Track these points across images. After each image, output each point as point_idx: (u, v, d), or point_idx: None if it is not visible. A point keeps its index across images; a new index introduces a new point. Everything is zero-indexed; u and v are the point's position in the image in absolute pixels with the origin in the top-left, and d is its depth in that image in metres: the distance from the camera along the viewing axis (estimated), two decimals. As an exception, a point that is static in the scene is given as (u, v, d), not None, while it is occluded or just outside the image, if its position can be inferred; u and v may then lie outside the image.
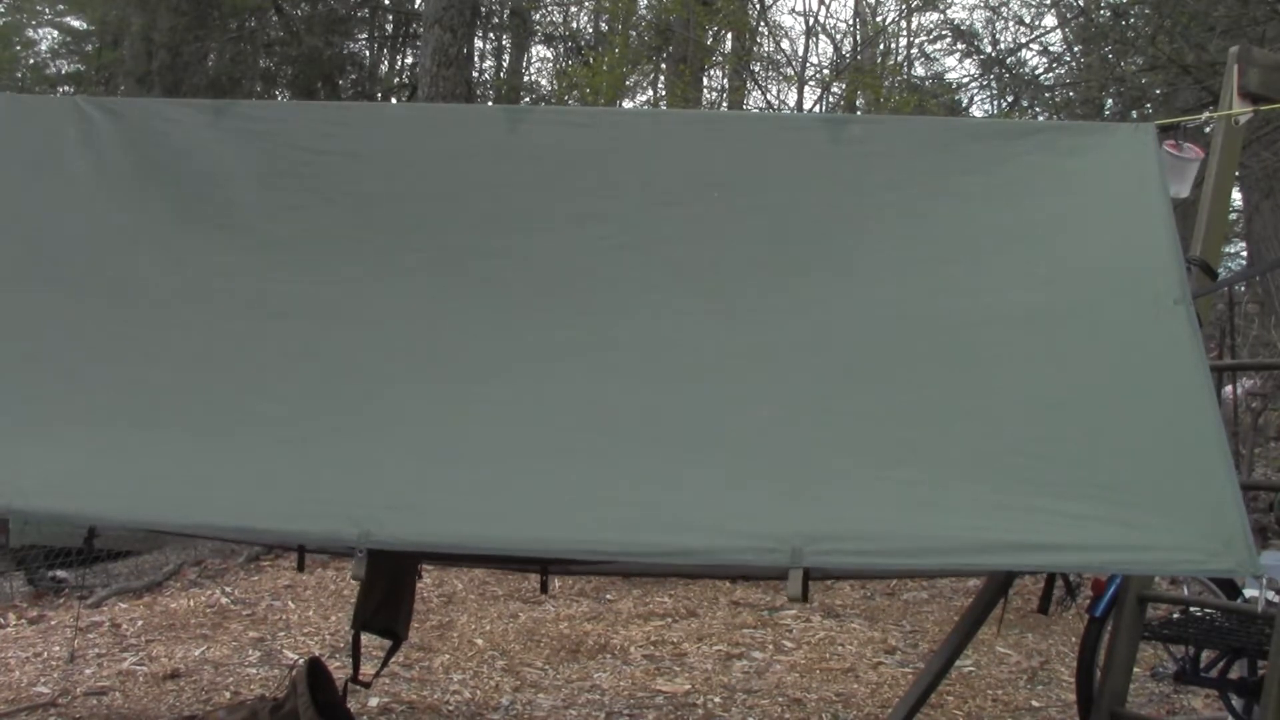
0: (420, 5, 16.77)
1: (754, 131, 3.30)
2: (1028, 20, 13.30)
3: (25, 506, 2.67)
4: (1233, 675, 3.51)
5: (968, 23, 14.39)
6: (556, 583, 6.37)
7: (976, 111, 13.79)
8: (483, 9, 16.64)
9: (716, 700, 4.52)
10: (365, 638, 4.06)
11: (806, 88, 14.33)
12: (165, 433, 2.74)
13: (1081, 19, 10.42)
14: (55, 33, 19.95)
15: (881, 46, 15.82)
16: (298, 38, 15.92)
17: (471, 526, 2.55)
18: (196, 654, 5.12)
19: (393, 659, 4.20)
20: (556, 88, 17.33)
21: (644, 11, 15.59)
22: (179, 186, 3.13)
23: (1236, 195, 10.98)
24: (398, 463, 2.64)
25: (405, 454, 2.66)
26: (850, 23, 16.06)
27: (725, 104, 15.67)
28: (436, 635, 5.48)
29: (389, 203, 3.10)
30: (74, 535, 6.82)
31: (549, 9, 19.09)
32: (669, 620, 5.86)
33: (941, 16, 14.89)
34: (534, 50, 20.56)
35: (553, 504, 2.54)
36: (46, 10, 19.64)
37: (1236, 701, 3.58)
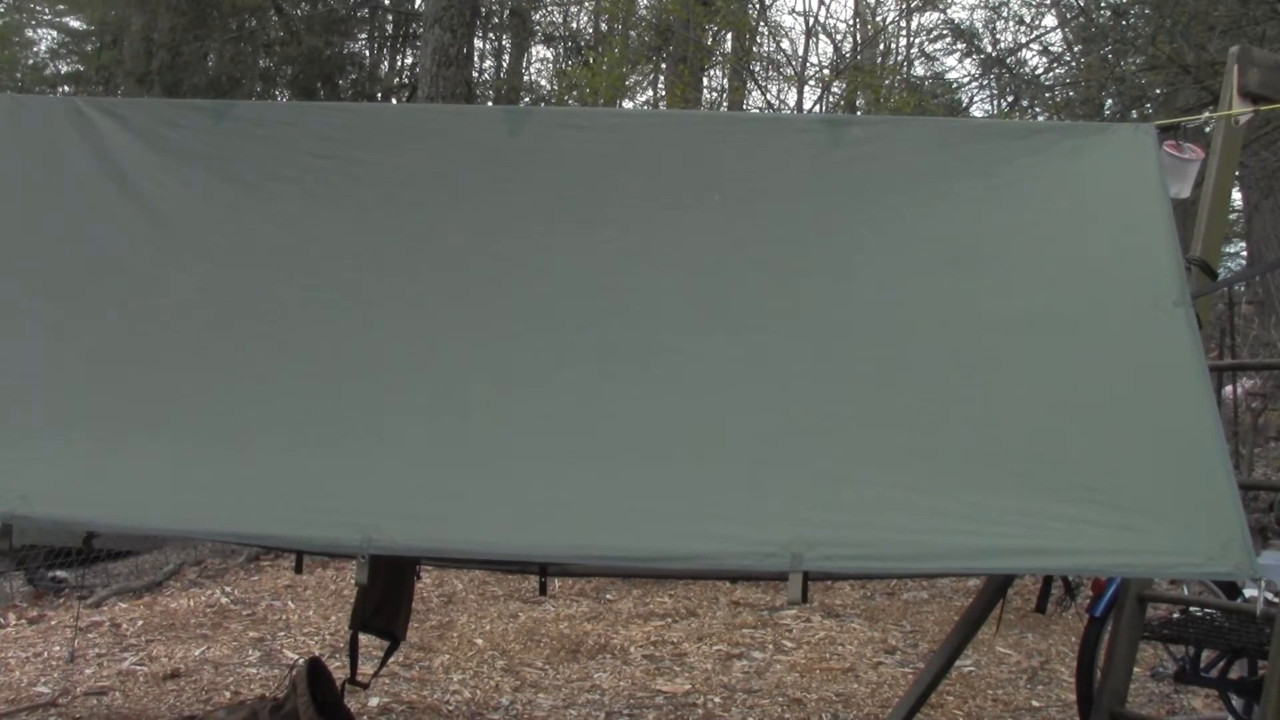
0: (420, 5, 16.77)
1: (754, 132, 3.29)
2: (1028, 20, 13.31)
3: (29, 512, 2.67)
4: (1233, 675, 3.52)
5: (968, 23, 14.38)
6: (556, 583, 6.37)
7: (976, 111, 13.80)
8: (483, 9, 16.63)
9: (716, 700, 4.52)
10: (365, 638, 4.06)
11: (806, 88, 14.36)
12: (167, 437, 2.74)
13: (1081, 19, 10.42)
14: (55, 33, 19.94)
15: (881, 46, 15.84)
16: (298, 38, 15.91)
17: (473, 532, 2.55)
18: (196, 654, 5.12)
19: (392, 659, 4.21)
20: (556, 88, 17.34)
21: (644, 11, 15.60)
22: (179, 188, 3.12)
23: (1236, 195, 10.99)
24: (399, 468, 2.64)
25: (407, 459, 2.66)
26: (850, 23, 16.08)
27: (725, 104, 15.67)
28: (436, 635, 5.48)
29: (389, 206, 3.10)
30: (74, 535, 6.83)
31: (549, 9, 19.10)
32: (669, 620, 5.87)
33: (941, 16, 14.91)
34: (534, 50, 20.59)
35: (554, 509, 2.54)
36: (46, 10, 19.62)
37: (1236, 701, 3.58)
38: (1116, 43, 9.06)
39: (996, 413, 2.60)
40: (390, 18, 18.93)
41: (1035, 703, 4.53)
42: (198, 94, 14.67)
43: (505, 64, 20.70)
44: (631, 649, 5.29)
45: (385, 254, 3.03)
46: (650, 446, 2.63)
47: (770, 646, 5.36)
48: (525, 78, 19.92)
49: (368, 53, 19.30)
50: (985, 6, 13.58)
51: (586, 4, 19.15)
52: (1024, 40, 12.83)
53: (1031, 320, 2.70)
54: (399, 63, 19.46)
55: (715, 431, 2.64)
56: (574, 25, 19.64)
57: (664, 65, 15.65)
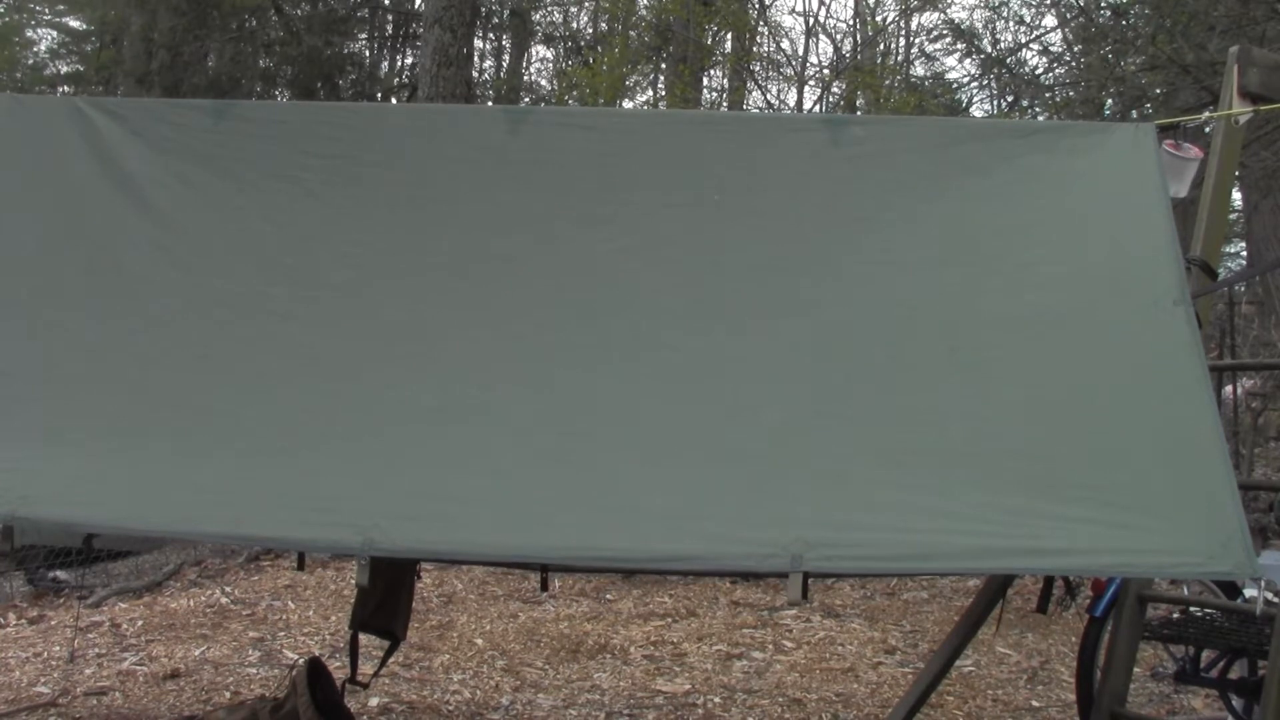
0: (420, 5, 16.77)
1: (755, 132, 3.30)
2: (1028, 20, 13.32)
3: (30, 514, 2.67)
4: (1233, 675, 3.52)
5: (968, 23, 14.38)
6: (556, 582, 6.38)
7: (976, 111, 13.82)
8: (483, 9, 16.63)
9: (716, 700, 4.52)
10: (365, 638, 4.06)
11: (806, 88, 14.38)
12: (167, 438, 2.74)
13: (1081, 19, 10.41)
14: (55, 33, 19.93)
15: (881, 46, 15.85)
16: (298, 38, 15.91)
17: (474, 533, 2.55)
18: (196, 654, 5.12)
19: (392, 659, 4.20)
20: (556, 88, 17.36)
21: (644, 11, 15.61)
22: (179, 188, 3.12)
23: (1236, 195, 10.98)
24: (400, 469, 2.64)
25: (407, 459, 2.66)
26: (850, 23, 16.10)
27: (725, 104, 15.69)
28: (436, 635, 5.48)
29: (389, 205, 3.10)
30: (74, 535, 6.84)
31: (549, 9, 19.11)
32: (669, 620, 5.86)
33: (941, 16, 14.92)
34: (534, 50, 20.60)
35: (554, 510, 2.54)
36: (46, 10, 19.61)
37: (1236, 701, 3.58)
38: (1116, 43, 9.06)
39: (996, 412, 2.60)
40: (390, 18, 18.93)
41: (1035, 703, 4.53)
42: (198, 94, 14.66)
43: (505, 64, 20.71)
44: (631, 649, 5.29)
45: (385, 253, 3.03)
46: (650, 446, 2.63)
47: (770, 646, 5.36)
48: (525, 78, 19.94)
49: (368, 53, 19.30)
50: (985, 6, 13.61)
51: (586, 4, 19.18)
52: (1024, 40, 12.85)
53: (1031, 319, 2.70)
54: (399, 63, 19.47)
55: (715, 431, 2.64)
56: (574, 25, 19.68)
57: (664, 65, 15.67)
